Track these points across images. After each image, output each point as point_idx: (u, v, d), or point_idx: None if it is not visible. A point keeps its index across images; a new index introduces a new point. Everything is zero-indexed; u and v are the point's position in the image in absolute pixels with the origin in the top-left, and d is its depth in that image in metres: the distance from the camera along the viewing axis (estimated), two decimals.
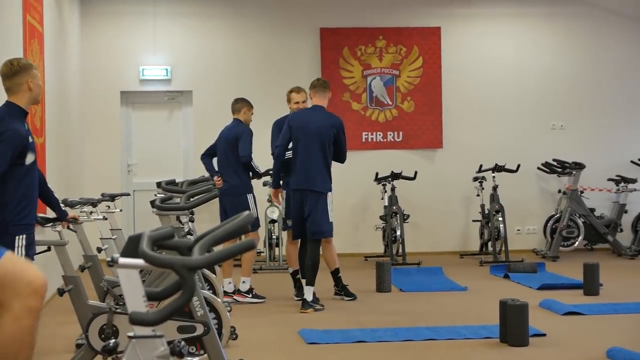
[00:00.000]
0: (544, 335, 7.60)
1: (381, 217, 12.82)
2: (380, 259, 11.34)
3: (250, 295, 9.65)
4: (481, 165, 13.19)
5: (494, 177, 13.03)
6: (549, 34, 14.24)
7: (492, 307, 7.94)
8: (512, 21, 14.18)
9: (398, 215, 12.52)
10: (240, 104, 10.05)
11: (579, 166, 13.24)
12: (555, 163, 13.56)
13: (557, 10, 14.12)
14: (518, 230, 13.87)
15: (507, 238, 12.59)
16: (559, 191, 13.57)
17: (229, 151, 9.79)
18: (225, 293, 9.20)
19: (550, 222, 13.31)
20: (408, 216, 12.68)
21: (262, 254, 12.40)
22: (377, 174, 12.96)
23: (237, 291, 9.63)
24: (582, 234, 13.23)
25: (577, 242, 13.24)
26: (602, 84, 14.22)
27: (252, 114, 10.08)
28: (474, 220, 13.39)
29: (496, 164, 13.14)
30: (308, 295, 9.11)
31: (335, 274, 9.66)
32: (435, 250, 13.61)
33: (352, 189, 13.51)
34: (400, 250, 12.45)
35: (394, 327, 8.05)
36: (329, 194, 9.32)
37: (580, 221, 13.22)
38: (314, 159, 9.20)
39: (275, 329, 8.25)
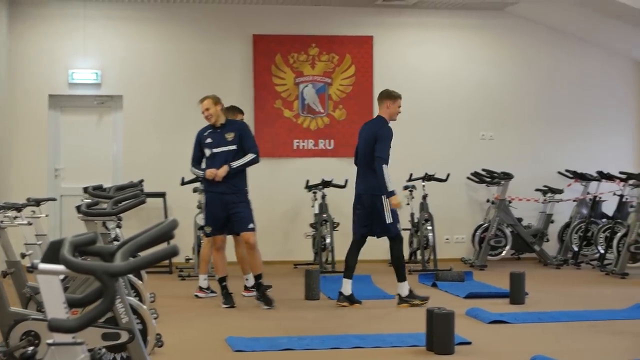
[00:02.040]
0: (469, 343, 7.64)
1: (311, 225, 12.81)
2: (310, 266, 11.31)
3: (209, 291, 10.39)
4: (411, 174, 13.27)
5: (423, 186, 13.12)
6: (480, 44, 14.40)
7: (419, 315, 7.98)
8: (444, 31, 14.31)
9: (328, 223, 12.54)
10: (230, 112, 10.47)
11: (508, 176, 13.40)
12: (484, 173, 13.70)
13: (488, 21, 14.28)
14: (447, 239, 13.97)
15: (435, 247, 12.69)
16: (488, 201, 13.70)
17: None
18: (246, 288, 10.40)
19: (479, 231, 13.44)
20: (338, 224, 12.69)
21: (190, 260, 12.31)
22: (307, 181, 12.95)
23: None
24: (509, 243, 13.38)
25: (504, 252, 13.39)
26: (532, 95, 14.42)
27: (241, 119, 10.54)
28: (403, 229, 13.41)
29: (426, 173, 13.24)
30: (403, 291, 9.69)
31: (257, 279, 9.68)
32: (365, 258, 13.42)
33: (282, 197, 13.50)
34: (330, 258, 12.46)
35: (321, 335, 8.05)
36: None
37: (508, 231, 13.37)
38: None
39: (202, 336, 8.20)
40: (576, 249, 13.49)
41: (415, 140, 14.01)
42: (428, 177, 13.23)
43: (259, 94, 13.68)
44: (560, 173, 14.20)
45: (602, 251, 13.03)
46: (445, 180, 13.24)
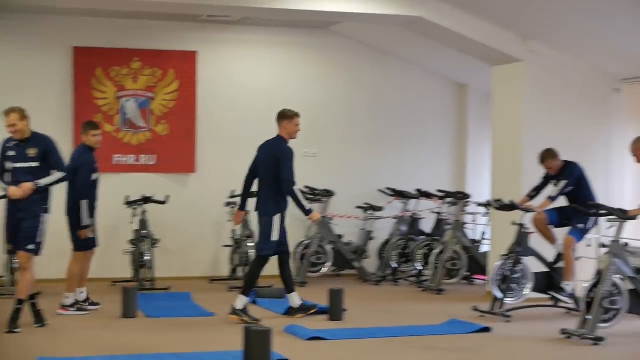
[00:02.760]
0: None
1: (131, 242, 12.58)
2: (128, 284, 11.11)
3: (74, 309, 10.29)
4: (233, 191, 13.21)
5: (246, 202, 13.05)
6: (305, 62, 14.50)
7: (238, 332, 7.92)
8: (269, 48, 14.33)
9: (148, 240, 12.35)
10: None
11: (329, 193, 13.54)
12: (306, 190, 13.78)
13: (312, 40, 14.39)
14: None
15: None
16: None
17: None
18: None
19: (300, 247, 13.50)
20: (158, 240, 12.51)
21: (2, 278, 11.89)
22: (127, 197, 12.72)
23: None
24: (330, 260, 13.51)
25: (325, 268, 13.49)
26: (355, 113, 14.62)
27: (93, 135, 10.49)
28: (224, 246, 13.38)
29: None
30: (237, 304, 9.77)
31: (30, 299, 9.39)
32: (186, 275, 13.51)
33: (102, 212, 13.10)
34: (149, 275, 12.27)
35: (136, 354, 7.90)
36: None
37: (328, 247, 13.49)
38: None
39: (11, 357, 7.91)
40: (395, 265, 13.73)
41: (239, 156, 13.89)
42: (251, 195, 13.16)
43: (79, 108, 13.32)
44: (380, 191, 14.44)
45: (420, 268, 13.33)
46: None
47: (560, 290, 10.67)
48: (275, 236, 9.90)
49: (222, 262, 13.66)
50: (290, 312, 10.21)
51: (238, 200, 12.99)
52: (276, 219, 9.92)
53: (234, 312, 9.76)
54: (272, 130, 13.99)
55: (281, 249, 10.08)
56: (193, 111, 13.83)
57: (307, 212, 10.02)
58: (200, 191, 13.81)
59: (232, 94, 14.07)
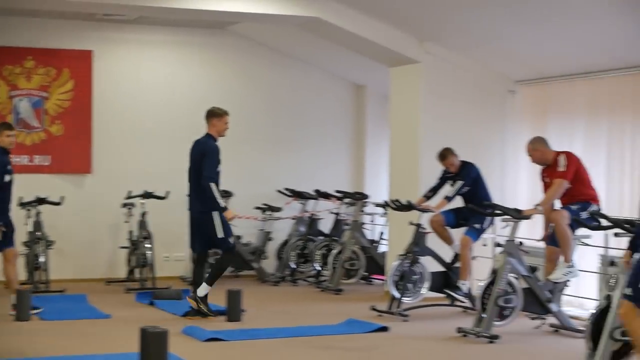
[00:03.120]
0: None
1: (24, 243, 12.29)
2: (22, 286, 10.87)
3: None
4: (130, 192, 13.06)
5: (142, 203, 12.94)
6: (202, 62, 14.40)
7: (134, 334, 7.81)
8: (165, 48, 14.19)
9: (42, 242, 12.11)
10: None
11: (227, 194, 13.43)
12: None
13: (209, 39, 14.30)
14: (166, 257, 13.82)
15: (154, 265, 12.54)
16: None
17: None
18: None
19: None
20: (53, 242, 12.28)
21: None
22: (21, 198, 12.43)
23: None
24: None
25: None
26: (254, 114, 14.56)
27: (7, 136, 10.21)
28: (121, 247, 13.20)
29: (145, 191, 13.06)
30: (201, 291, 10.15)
31: None
32: (82, 277, 13.28)
33: None
34: (44, 277, 12.03)
35: (29, 358, 7.74)
36: None
37: None
38: None
39: None
40: (294, 266, 13.73)
41: (136, 157, 13.83)
42: (147, 195, 13.06)
43: None
44: (279, 191, 14.42)
45: (319, 268, 13.36)
46: (164, 198, 13.11)
47: (457, 289, 10.80)
48: (220, 232, 10.10)
49: (118, 263, 13.46)
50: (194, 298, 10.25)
51: (135, 200, 12.95)
52: (215, 215, 10.09)
53: (197, 299, 10.10)
54: (169, 131, 13.98)
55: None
56: (89, 111, 13.61)
57: (222, 209, 10.09)
58: (96, 192, 13.59)
59: (128, 94, 13.89)
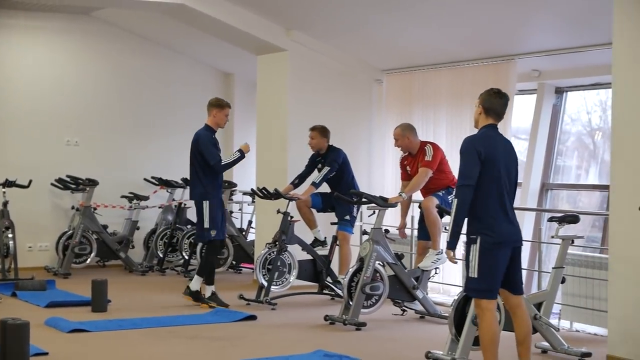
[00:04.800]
0: (46, 354, 7.48)
1: None
2: None
3: None
4: (7, 180, 12.70)
5: (4, 192, 12.60)
6: (66, 49, 14.09)
7: None
8: (28, 34, 13.81)
9: None
10: None
11: (93, 183, 13.21)
12: (68, 179, 13.43)
13: (73, 25, 13.99)
14: (30, 247, 13.51)
15: (17, 255, 12.22)
16: (73, 207, 13.45)
17: None
18: None
19: (63, 238, 13.14)
20: None
21: None
22: None
23: None
24: (94, 250, 13.22)
25: (89, 259, 13.20)
26: (120, 102, 14.35)
27: None
28: None
29: (7, 179, 12.72)
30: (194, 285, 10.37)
31: None
32: None
33: None
34: None
35: None
36: None
37: (93, 238, 13.20)
38: None
39: None
40: (161, 255, 13.60)
41: (6, 146, 13.45)
42: (9, 183, 12.72)
43: None
44: (146, 180, 14.26)
45: (187, 257, 13.25)
46: (27, 187, 12.80)
47: (338, 283, 10.78)
48: (207, 222, 10.12)
49: None
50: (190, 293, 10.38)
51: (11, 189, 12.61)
52: (205, 204, 10.11)
53: (204, 300, 10.24)
54: (32, 118, 13.63)
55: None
56: None
57: (241, 155, 10.45)
58: None
59: None
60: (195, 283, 10.29)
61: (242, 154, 10.40)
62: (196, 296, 10.25)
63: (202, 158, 10.18)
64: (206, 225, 10.14)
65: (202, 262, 10.51)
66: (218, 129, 10.49)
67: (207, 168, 10.16)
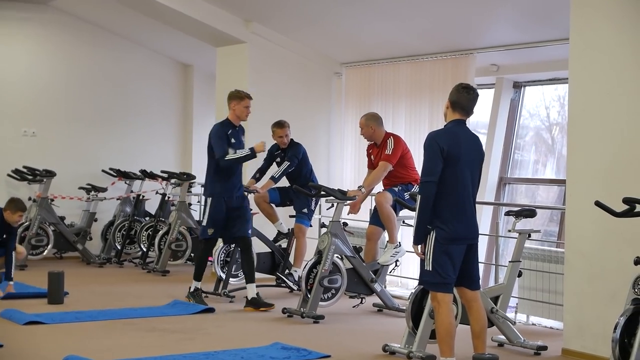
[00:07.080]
0: (1, 346, 7.39)
1: None
2: None
3: None
4: None
5: None
6: (23, 39, 13.96)
7: None
8: None
9: None
10: None
11: (50, 174, 13.10)
12: (25, 170, 13.32)
13: (30, 15, 13.85)
14: None
15: None
16: (30, 199, 13.33)
17: None
18: None
19: (20, 230, 12.99)
20: None
21: None
22: None
23: None
24: (51, 242, 13.13)
25: (46, 251, 13.11)
26: (77, 92, 14.25)
27: None
28: None
29: None
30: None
31: None
32: None
33: None
34: None
35: None
36: None
37: (50, 229, 13.10)
38: None
39: None
40: (119, 247, 13.53)
41: None
42: None
43: None
44: (104, 171, 14.18)
45: (145, 249, 13.19)
46: None
47: (290, 275, 10.76)
48: (205, 219, 9.83)
49: None
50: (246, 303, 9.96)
51: None
52: (209, 201, 9.78)
53: (265, 303, 9.88)
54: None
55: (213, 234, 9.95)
56: None
57: (252, 153, 9.68)
58: None
59: None
60: (250, 291, 9.90)
61: (252, 152, 9.70)
62: (256, 302, 9.87)
63: (212, 152, 9.80)
64: (204, 222, 9.90)
65: (244, 267, 10.05)
66: (240, 123, 9.95)
67: (218, 165, 9.72)
